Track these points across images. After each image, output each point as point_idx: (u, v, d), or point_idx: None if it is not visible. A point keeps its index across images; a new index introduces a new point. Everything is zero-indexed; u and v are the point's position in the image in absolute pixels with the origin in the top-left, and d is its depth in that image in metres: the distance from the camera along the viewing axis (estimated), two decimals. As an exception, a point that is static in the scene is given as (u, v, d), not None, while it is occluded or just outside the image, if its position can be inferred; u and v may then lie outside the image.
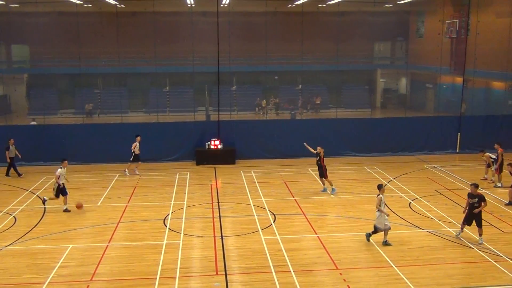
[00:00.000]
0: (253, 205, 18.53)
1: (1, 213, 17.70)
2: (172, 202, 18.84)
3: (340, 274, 12.97)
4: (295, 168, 23.87)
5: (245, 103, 34.86)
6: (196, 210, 18.06)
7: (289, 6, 34.60)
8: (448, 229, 15.87)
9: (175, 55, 35.08)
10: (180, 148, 25.60)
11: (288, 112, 34.58)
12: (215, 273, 13.08)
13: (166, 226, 16.41)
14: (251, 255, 14.13)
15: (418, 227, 16.10)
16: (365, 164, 24.64)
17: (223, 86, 28.98)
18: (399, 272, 12.99)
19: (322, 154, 19.92)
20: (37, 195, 18.32)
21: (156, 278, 12.77)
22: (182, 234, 15.67)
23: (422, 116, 30.25)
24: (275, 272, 13.06)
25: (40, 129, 25.81)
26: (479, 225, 14.58)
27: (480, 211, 14.57)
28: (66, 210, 17.80)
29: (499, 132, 26.34)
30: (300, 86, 36.41)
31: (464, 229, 15.09)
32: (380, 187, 14.86)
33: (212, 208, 18.25)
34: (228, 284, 12.49)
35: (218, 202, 18.92)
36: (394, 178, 22.14)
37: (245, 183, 21.52)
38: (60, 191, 17.94)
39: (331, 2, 32.93)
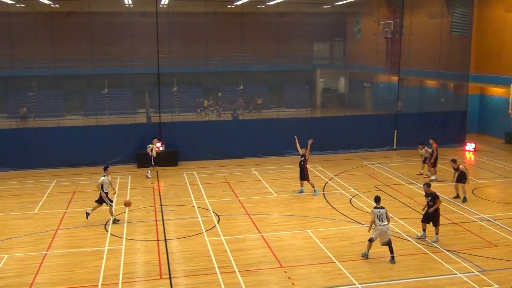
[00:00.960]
0: (197, 207, 18.42)
1: None
2: (114, 207, 18.40)
3: (285, 272, 13.11)
4: (238, 169, 23.92)
5: (187, 104, 34.58)
6: (138, 214, 17.74)
7: (229, 6, 34.63)
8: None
9: (113, 56, 34.31)
10: (120, 151, 25.06)
11: (229, 112, 34.59)
12: (159, 277, 12.90)
13: (107, 232, 16.03)
14: (196, 257, 14.04)
15: (359, 223, 16.51)
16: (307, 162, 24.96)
17: (164, 87, 28.61)
18: (341, 267, 13.28)
19: (307, 156, 19.61)
20: (86, 212, 17.30)
21: (98, 285, 12.45)
22: (124, 239, 15.36)
23: (361, 114, 31.01)
24: (220, 273, 13.04)
25: (-29, 134, 24.62)
26: (435, 223, 14.88)
27: (436, 209, 14.81)
28: (115, 221, 16.80)
29: (433, 128, 27.42)
30: (242, 87, 36.50)
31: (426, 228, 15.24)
32: (377, 199, 13.96)
33: (155, 211, 17.99)
34: (173, 287, 12.35)
35: (161, 205, 18.68)
36: (335, 176, 22.61)
37: (188, 185, 21.35)
38: (104, 199, 16.74)
39: (270, 3, 33.21)
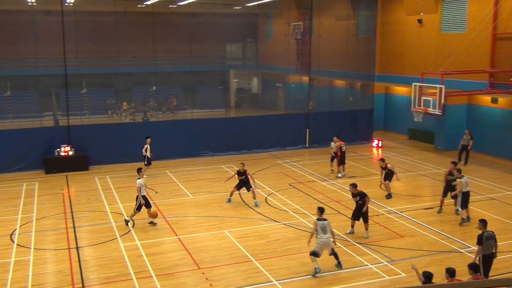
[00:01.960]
0: (110, 212, 17.88)
1: None
2: (20, 216, 17.44)
3: (203, 273, 13.06)
4: (153, 171, 23.48)
5: (97, 106, 33.41)
6: (47, 222, 16.91)
7: (139, 6, 33.94)
8: (302, 220, 16.79)
9: (16, 56, 32.51)
10: (26, 156, 23.72)
11: (141, 114, 33.88)
12: (71, 286, 12.39)
13: (13, 242, 15.15)
14: (110, 264, 13.63)
15: (275, 221, 16.79)
16: (223, 163, 25.06)
17: (72, 89, 27.42)
18: (258, 265, 13.45)
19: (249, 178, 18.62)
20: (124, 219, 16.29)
21: (4, 299, 11.75)
22: (32, 249, 14.59)
23: (274, 114, 31.52)
24: (136, 278, 12.74)
25: None
26: (366, 220, 15.32)
27: (367, 207, 15.21)
28: (151, 223, 16.45)
29: (343, 126, 28.47)
30: (154, 88, 35.91)
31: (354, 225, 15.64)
32: (321, 210, 13.48)
33: (65, 218, 17.23)
34: (86, 296, 11.93)
35: (72, 212, 17.93)
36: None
37: (100, 190, 20.66)
38: (142, 202, 16.18)
39: (181, 3, 32.95)
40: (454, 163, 17.45)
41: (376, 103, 31.15)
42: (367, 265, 13.49)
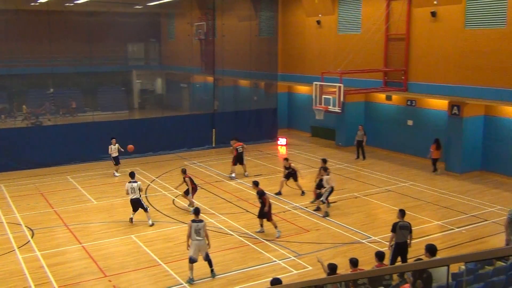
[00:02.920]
0: (6, 223, 16.77)
1: None
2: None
3: (110, 281, 12.65)
4: (52, 178, 22.37)
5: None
6: None
7: (33, 4, 32.16)
8: (211, 220, 16.76)
9: None
10: None
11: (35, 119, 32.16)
12: (-37, 305, 11.50)
13: None
14: (8, 278, 12.80)
15: (183, 222, 16.62)
16: (127, 166, 24.36)
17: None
18: (167, 269, 13.26)
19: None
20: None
21: None
22: None
23: (179, 115, 31.22)
24: (37, 291, 12.08)
25: None
26: (269, 219, 15.44)
27: (269, 205, 15.37)
28: (131, 220, 16.55)
29: (248, 125, 28.82)
30: (52, 90, 34.19)
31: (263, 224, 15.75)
32: (197, 212, 12.98)
33: (-45, 232, 15.95)
34: (-18, 314, 11.12)
35: (-38, 225, 16.63)
36: (156, 178, 22.46)
37: (-5, 199, 19.35)
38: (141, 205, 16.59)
39: (78, 2, 31.68)
40: (324, 161, 18.87)
41: (279, 102, 31.82)
42: (275, 261, 13.76)
